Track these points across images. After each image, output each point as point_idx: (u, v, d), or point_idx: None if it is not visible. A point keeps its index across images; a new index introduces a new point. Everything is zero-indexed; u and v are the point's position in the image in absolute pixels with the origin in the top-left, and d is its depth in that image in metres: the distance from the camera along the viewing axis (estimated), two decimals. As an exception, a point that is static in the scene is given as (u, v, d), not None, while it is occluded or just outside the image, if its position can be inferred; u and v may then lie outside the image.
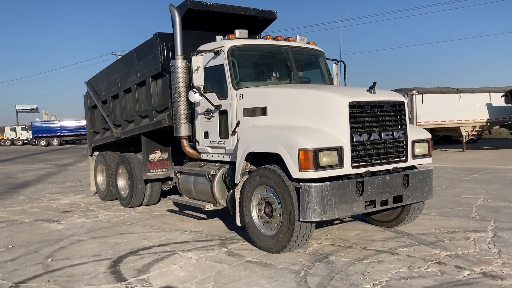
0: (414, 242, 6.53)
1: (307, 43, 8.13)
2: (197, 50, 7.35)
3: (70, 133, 56.15)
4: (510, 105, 22.30)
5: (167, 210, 9.82)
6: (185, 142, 8.18)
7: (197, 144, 8.08)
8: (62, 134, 55.89)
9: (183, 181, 8.37)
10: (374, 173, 6.28)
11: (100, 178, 11.65)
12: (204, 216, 8.85)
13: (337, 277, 5.20)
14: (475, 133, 23.68)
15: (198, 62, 7.09)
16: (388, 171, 6.45)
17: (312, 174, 5.71)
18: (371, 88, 6.31)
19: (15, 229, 8.37)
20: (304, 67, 8.06)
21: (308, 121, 6.21)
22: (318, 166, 5.71)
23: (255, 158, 6.74)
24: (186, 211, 9.44)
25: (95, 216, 9.39)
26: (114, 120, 10.70)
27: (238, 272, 5.50)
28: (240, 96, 7.05)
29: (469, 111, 22.67)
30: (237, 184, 6.97)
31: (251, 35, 9.36)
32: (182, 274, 5.52)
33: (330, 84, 8.17)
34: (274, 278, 5.24)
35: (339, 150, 5.88)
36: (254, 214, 6.50)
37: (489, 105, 23.18)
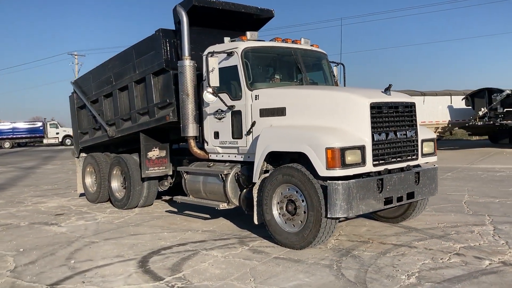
0: (426, 236, 6.89)
1: (310, 46, 8.38)
2: (212, 51, 7.42)
3: (23, 135, 53.95)
4: (470, 107, 23.56)
5: (165, 211, 9.78)
6: (192, 142, 8.23)
7: (205, 144, 8.14)
8: (14, 136, 53.58)
9: (190, 181, 8.39)
10: (389, 171, 6.59)
11: (89, 180, 11.41)
12: (208, 216, 8.91)
13: (370, 270, 5.44)
14: (438, 134, 24.80)
15: (213, 63, 7.17)
16: (401, 169, 6.79)
17: (339, 172, 5.93)
18: (387, 90, 6.63)
19: (15, 233, 8.12)
20: (310, 69, 8.29)
21: (329, 121, 6.43)
22: (344, 164, 5.95)
23: (271, 157, 6.89)
24: (186, 211, 9.45)
25: (94, 218, 9.23)
26: (107, 119, 10.55)
27: (272, 268, 5.64)
28: (255, 97, 7.19)
29: (432, 113, 23.72)
30: (251, 183, 7.14)
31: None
32: (217, 271, 5.59)
33: (334, 85, 8.45)
34: (310, 273, 5.42)
35: (362, 148, 6.15)
36: (275, 212, 6.66)
37: (450, 108, 24.37)
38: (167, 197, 11.30)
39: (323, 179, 6.05)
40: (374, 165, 6.30)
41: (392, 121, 6.57)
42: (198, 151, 8.26)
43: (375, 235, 7.08)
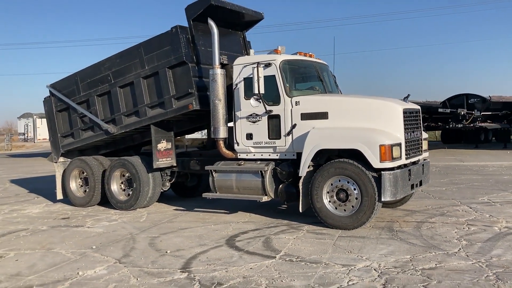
0: (430, 215, 8.66)
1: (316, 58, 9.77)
2: (257, 61, 8.34)
3: None
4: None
5: (174, 209, 10.30)
6: (221, 143, 9.06)
7: (235, 145, 9.02)
8: None
9: (220, 179, 9.12)
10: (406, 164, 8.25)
11: (74, 185, 11.30)
12: (226, 211, 9.70)
13: (425, 237, 6.97)
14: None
15: (261, 72, 8.18)
16: (413, 162, 8.51)
17: (389, 164, 7.42)
18: (405, 99, 8.34)
19: (55, 235, 8.12)
20: (325, 78, 9.64)
21: (369, 123, 7.85)
22: (392, 158, 7.45)
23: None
24: (196, 209, 10.10)
25: (112, 219, 9.42)
26: (102, 118, 10.66)
27: (352, 243, 6.86)
28: (296, 103, 8.33)
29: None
30: (291, 178, 8.32)
31: (241, 31, 10.81)
32: (310, 248, 6.64)
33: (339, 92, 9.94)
34: (386, 244, 6.76)
35: (400, 145, 7.71)
36: (325, 200, 7.88)
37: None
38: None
39: (374, 171, 7.47)
40: (406, 159, 7.91)
41: (412, 123, 8.26)
42: (227, 152, 9.10)
43: (392, 216, 8.67)
